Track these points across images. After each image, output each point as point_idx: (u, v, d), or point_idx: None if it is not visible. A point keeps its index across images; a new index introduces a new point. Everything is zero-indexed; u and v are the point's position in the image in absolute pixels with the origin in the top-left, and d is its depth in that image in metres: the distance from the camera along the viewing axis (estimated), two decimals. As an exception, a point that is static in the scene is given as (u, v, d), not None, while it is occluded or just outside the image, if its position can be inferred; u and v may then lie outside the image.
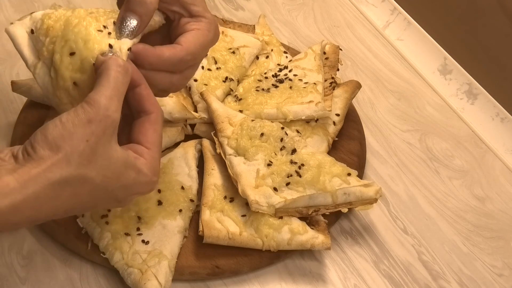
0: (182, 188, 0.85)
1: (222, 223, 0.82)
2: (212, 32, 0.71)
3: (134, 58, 0.66)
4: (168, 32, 0.72)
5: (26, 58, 0.67)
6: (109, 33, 0.65)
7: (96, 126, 0.59)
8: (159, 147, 0.66)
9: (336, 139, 0.94)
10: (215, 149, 0.89)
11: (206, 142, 0.92)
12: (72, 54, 0.64)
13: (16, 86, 0.92)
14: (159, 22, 0.71)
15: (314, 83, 0.94)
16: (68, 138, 0.58)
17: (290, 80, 0.95)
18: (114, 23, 0.67)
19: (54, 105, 0.67)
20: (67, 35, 0.65)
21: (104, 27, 0.65)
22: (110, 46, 0.64)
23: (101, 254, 0.79)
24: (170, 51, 0.67)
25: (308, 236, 0.81)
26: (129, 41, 0.66)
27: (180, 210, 0.83)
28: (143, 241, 0.79)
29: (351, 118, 0.98)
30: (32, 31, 0.67)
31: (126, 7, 0.66)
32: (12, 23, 0.68)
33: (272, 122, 0.89)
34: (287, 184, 0.83)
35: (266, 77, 0.97)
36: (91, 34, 0.64)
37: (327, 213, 0.84)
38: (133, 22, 0.66)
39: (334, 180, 0.83)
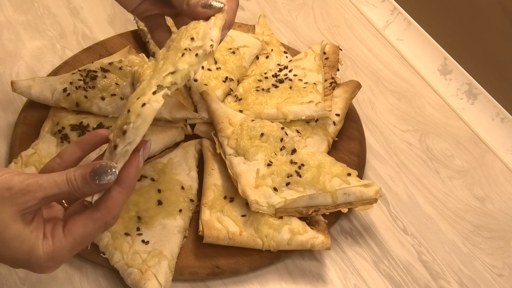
0: (182, 188, 0.85)
1: (222, 223, 0.82)
2: None
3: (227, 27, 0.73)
4: None
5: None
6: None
7: (11, 195, 0.59)
8: (78, 241, 0.63)
9: (336, 139, 0.94)
10: (215, 149, 0.89)
11: (206, 142, 0.92)
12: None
13: (16, 86, 0.92)
14: None
15: (314, 83, 0.94)
16: None
17: (290, 80, 0.95)
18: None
19: None
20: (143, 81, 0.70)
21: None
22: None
23: (101, 254, 0.79)
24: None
25: (308, 236, 0.81)
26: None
27: (180, 210, 0.83)
28: (143, 241, 0.79)
29: (351, 118, 0.98)
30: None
31: None
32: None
33: (272, 122, 0.89)
34: (287, 184, 0.83)
35: (266, 77, 0.97)
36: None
37: (327, 213, 0.84)
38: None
39: (334, 180, 0.83)
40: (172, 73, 0.65)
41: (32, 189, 0.60)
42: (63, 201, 0.67)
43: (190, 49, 0.67)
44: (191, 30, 0.70)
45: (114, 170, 0.62)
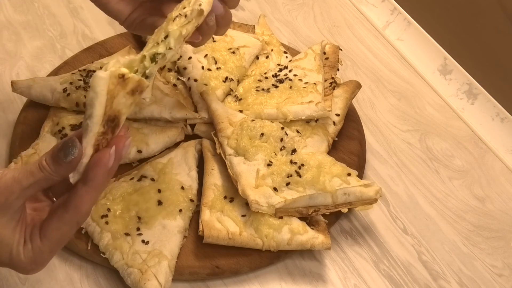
0: (182, 188, 0.85)
1: (222, 223, 0.82)
2: None
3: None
4: None
5: None
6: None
7: None
8: (55, 243, 0.63)
9: (336, 139, 0.94)
10: (215, 149, 0.89)
11: (206, 142, 0.92)
12: None
13: (16, 86, 0.92)
14: None
15: (314, 83, 0.94)
16: None
17: (290, 80, 0.95)
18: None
19: None
20: None
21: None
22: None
23: (101, 254, 0.79)
24: None
25: (308, 236, 0.81)
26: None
27: (180, 210, 0.83)
28: (143, 241, 0.79)
29: (351, 118, 0.98)
30: None
31: None
32: None
33: (272, 122, 0.89)
34: (287, 184, 0.83)
35: (266, 77, 0.97)
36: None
37: (327, 213, 0.84)
38: None
39: (334, 180, 0.83)
40: (165, 38, 0.66)
41: (8, 185, 0.60)
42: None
43: (180, 14, 0.68)
44: (184, 2, 0.70)
45: (75, 142, 0.60)
